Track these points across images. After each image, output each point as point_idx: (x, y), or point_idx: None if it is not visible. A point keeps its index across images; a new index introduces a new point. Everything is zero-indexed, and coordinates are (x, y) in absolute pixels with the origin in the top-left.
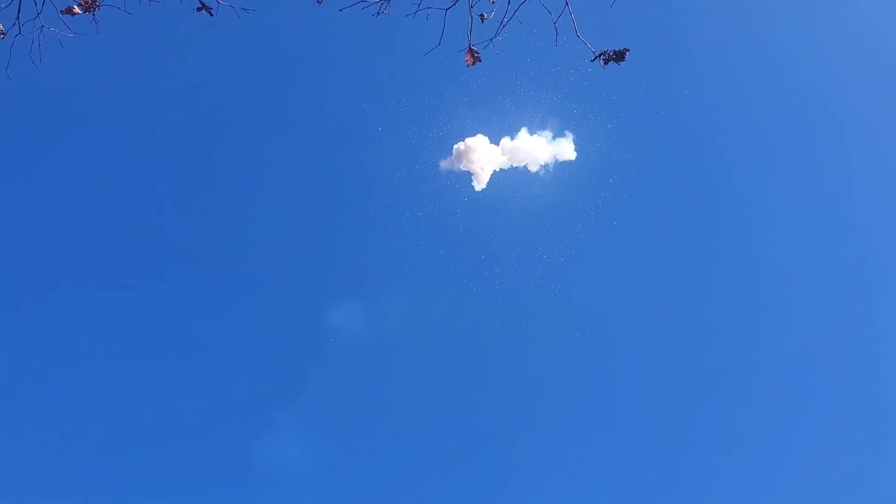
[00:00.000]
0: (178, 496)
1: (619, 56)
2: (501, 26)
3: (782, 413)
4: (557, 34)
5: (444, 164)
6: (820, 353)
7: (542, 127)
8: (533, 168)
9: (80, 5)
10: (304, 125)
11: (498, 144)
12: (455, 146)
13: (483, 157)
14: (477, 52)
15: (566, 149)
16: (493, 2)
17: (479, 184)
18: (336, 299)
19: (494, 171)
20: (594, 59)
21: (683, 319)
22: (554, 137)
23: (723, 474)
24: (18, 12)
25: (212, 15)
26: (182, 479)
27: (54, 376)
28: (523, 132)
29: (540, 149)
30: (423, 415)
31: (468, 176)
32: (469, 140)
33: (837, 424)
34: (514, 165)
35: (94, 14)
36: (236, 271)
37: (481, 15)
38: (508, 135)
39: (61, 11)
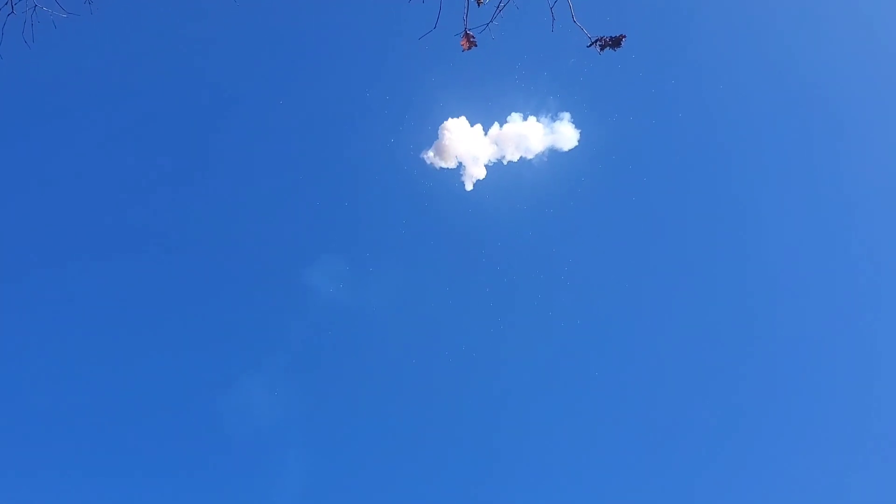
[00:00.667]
0: (144, 456)
1: (616, 42)
2: (498, 11)
3: (780, 418)
4: (554, 19)
5: (433, 152)
6: (818, 354)
7: (538, 115)
8: (528, 157)
9: None
10: (292, 105)
11: (487, 134)
12: (439, 135)
13: (473, 145)
14: (473, 37)
15: (562, 138)
16: None
17: (471, 173)
18: (314, 261)
19: (486, 163)
20: (590, 45)
21: (687, 319)
22: (550, 126)
23: (721, 477)
24: None
25: None
26: (148, 440)
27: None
28: (519, 120)
29: (536, 138)
30: (399, 381)
31: (461, 165)
32: (460, 127)
33: (835, 425)
34: (508, 157)
35: None
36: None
37: None
38: (503, 123)
39: None
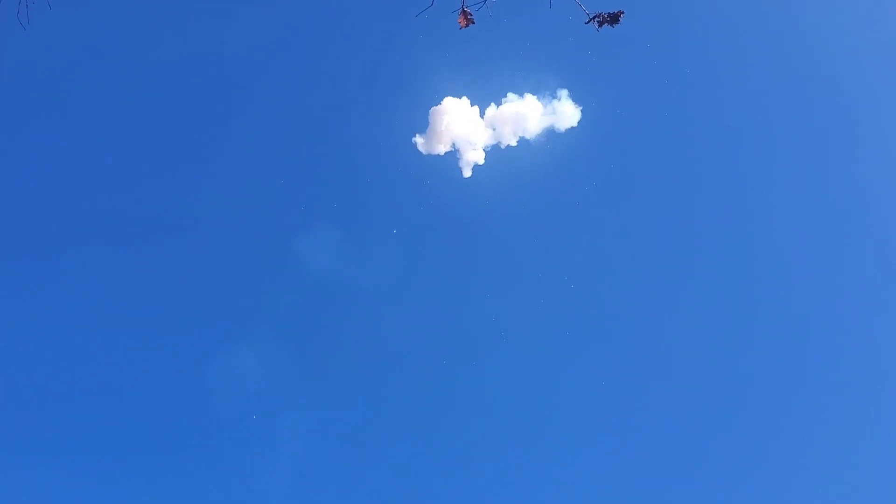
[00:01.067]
0: (131, 429)
1: (614, 18)
2: None
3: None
4: None
5: (427, 136)
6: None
7: (537, 93)
8: (528, 137)
9: None
10: (284, 81)
11: (483, 115)
12: (434, 118)
13: (469, 128)
14: (470, 14)
15: (563, 117)
16: None
17: (468, 158)
18: (305, 236)
19: (484, 146)
20: (588, 22)
21: (695, 308)
22: (550, 104)
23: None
24: None
25: None
26: (134, 413)
27: None
28: (517, 100)
29: (535, 117)
30: (391, 355)
31: (456, 150)
32: (456, 109)
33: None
34: (507, 139)
35: None
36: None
37: None
38: (500, 103)
39: None
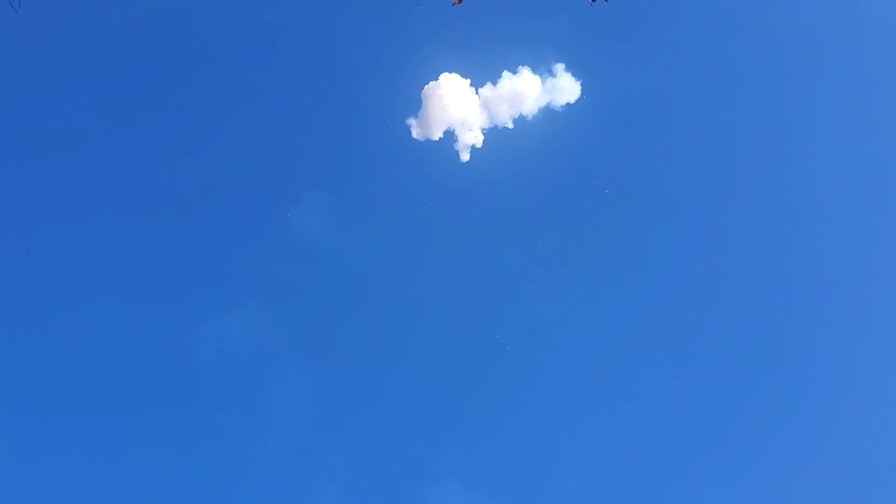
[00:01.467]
0: (127, 395)
1: None
2: None
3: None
4: None
5: (421, 120)
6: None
7: (534, 70)
8: (528, 116)
9: None
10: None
11: (479, 95)
12: (427, 100)
13: (466, 108)
14: None
15: (562, 93)
16: None
17: (465, 141)
18: (300, 205)
19: (482, 127)
20: None
21: (703, 294)
22: (548, 81)
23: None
24: None
25: None
26: (130, 379)
27: None
28: (512, 79)
29: (533, 95)
30: (381, 324)
31: (452, 132)
32: (451, 90)
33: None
34: (504, 122)
35: None
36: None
37: None
38: (497, 83)
39: None
